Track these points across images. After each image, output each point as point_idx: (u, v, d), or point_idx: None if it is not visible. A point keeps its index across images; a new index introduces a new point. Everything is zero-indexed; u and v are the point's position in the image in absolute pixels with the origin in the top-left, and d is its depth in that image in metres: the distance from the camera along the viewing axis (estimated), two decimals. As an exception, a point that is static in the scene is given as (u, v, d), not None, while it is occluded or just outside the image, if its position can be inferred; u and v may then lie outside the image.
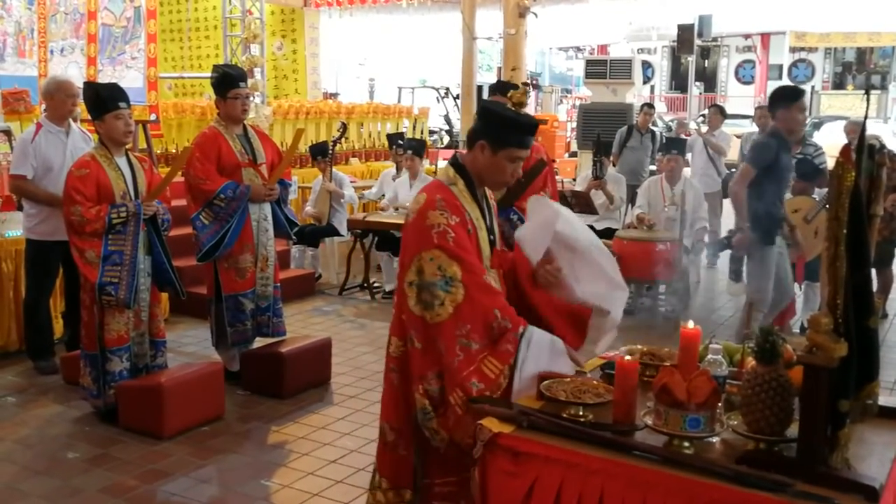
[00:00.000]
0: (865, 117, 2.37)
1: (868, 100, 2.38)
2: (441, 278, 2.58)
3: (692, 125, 10.16)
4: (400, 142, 8.80)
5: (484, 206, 2.83)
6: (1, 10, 10.19)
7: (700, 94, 28.00)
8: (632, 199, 8.71)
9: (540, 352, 2.62)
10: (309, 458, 4.26)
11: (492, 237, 2.83)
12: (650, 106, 10.35)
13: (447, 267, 2.59)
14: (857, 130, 8.50)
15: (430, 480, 2.75)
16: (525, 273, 2.91)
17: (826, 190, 5.88)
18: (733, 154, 9.52)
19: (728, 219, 9.17)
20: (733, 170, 10.36)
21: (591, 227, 7.99)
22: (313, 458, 4.26)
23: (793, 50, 29.26)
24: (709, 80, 30.94)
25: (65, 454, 4.25)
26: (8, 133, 6.95)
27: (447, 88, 20.91)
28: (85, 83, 5.22)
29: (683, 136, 9.63)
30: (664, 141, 9.47)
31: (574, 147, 17.50)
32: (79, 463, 4.15)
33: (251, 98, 5.67)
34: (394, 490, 2.83)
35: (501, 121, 2.75)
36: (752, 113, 20.11)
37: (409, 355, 2.69)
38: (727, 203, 9.44)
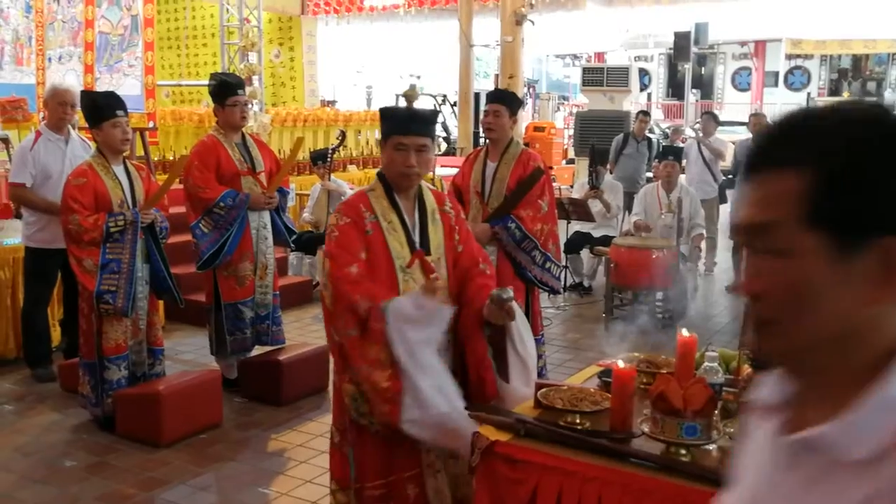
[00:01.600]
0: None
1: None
2: (325, 275, 2.72)
3: (689, 131, 10.19)
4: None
5: (413, 210, 2.86)
6: (-1, 19, 10.20)
7: (697, 101, 28.05)
8: (629, 206, 8.73)
9: (400, 311, 2.59)
10: (307, 465, 4.26)
11: (420, 242, 2.83)
12: (646, 113, 10.38)
13: (325, 264, 2.72)
14: (761, 122, 8.61)
15: (361, 484, 2.79)
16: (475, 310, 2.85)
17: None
18: (728, 161, 9.56)
19: (726, 224, 9.19)
20: (730, 176, 10.42)
21: (589, 234, 8.10)
22: (311, 465, 4.26)
23: (789, 57, 29.33)
24: (705, 87, 30.98)
25: (62, 462, 4.25)
26: (6, 141, 6.96)
27: (444, 96, 20.94)
28: (82, 91, 5.23)
29: (679, 144, 9.66)
30: (661, 148, 9.50)
31: (571, 154, 17.53)
32: (76, 471, 4.15)
33: (249, 106, 5.69)
34: (340, 491, 2.88)
35: (383, 115, 2.91)
36: (747, 120, 20.19)
37: (332, 352, 2.82)
38: (724, 209, 9.49)
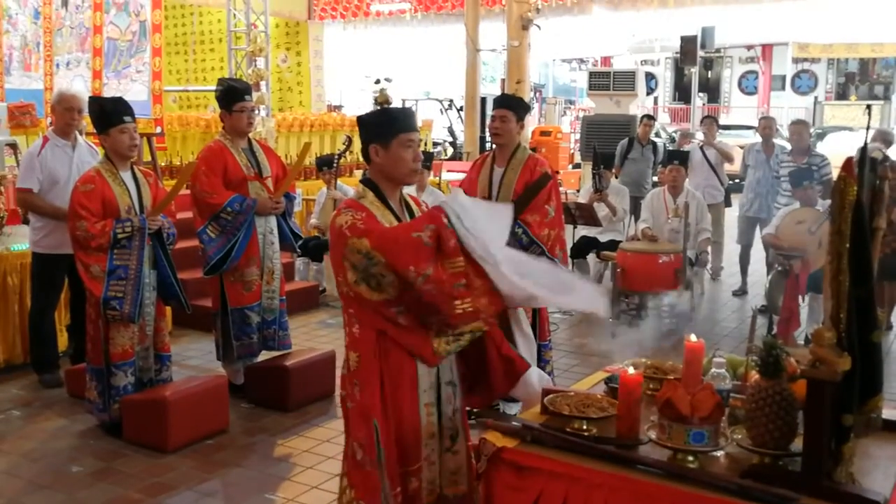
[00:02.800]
0: (867, 132, 2.38)
1: (870, 113, 2.39)
2: (364, 258, 2.62)
3: (699, 135, 10.16)
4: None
5: (402, 214, 2.88)
6: (7, 25, 10.27)
7: (703, 105, 28.01)
8: (635, 210, 8.71)
9: (468, 211, 2.63)
10: (313, 471, 4.26)
11: None
12: (650, 118, 10.36)
13: (360, 245, 2.62)
14: (771, 125, 8.57)
15: (394, 487, 2.73)
16: None
17: (830, 201, 5.88)
18: (735, 165, 9.52)
19: (731, 229, 9.17)
20: (737, 180, 10.39)
21: (596, 239, 8.09)
22: (318, 471, 4.25)
23: (795, 61, 29.28)
24: (712, 91, 30.96)
25: (69, 468, 4.25)
26: (14, 146, 6.99)
27: (451, 100, 20.96)
28: (90, 97, 5.25)
29: (685, 148, 9.63)
30: (666, 153, 9.48)
31: (578, 159, 17.52)
32: (83, 477, 4.15)
33: (256, 111, 5.69)
34: None
35: (377, 118, 2.88)
36: (754, 124, 20.14)
37: (396, 338, 2.71)
38: (729, 212, 9.47)
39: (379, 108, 3.01)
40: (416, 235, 2.59)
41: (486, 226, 2.62)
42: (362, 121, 2.91)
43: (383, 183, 2.84)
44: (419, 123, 13.85)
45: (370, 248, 2.59)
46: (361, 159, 12.30)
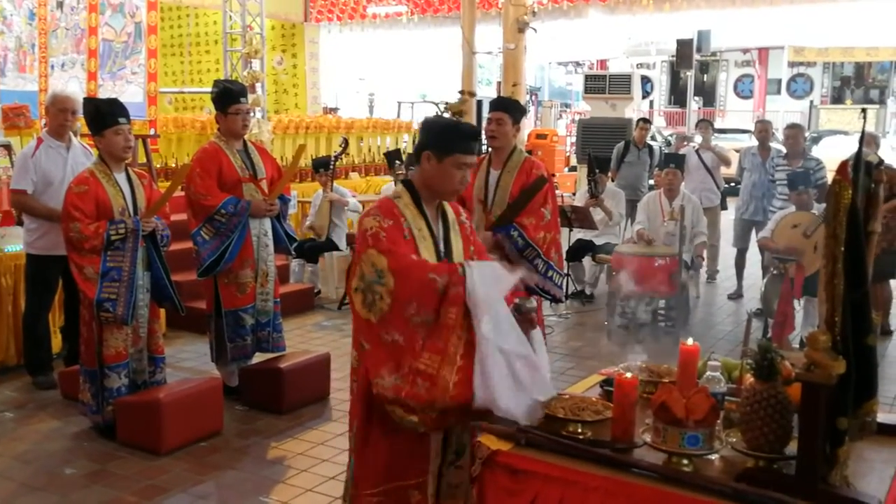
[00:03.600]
0: (862, 135, 2.38)
1: (865, 117, 2.39)
2: (375, 274, 2.61)
3: (697, 138, 10.16)
4: (398, 161, 8.81)
5: (437, 220, 2.85)
6: (1, 26, 10.23)
7: (699, 108, 28.04)
8: (631, 214, 8.72)
9: (483, 275, 2.60)
10: (308, 474, 4.25)
11: (443, 250, 2.83)
12: (646, 121, 10.38)
13: (378, 262, 2.61)
14: (767, 129, 8.58)
15: (357, 491, 2.76)
16: None
17: (825, 205, 5.89)
18: (732, 168, 9.54)
19: (728, 232, 9.18)
20: (732, 184, 10.40)
21: (591, 242, 8.09)
22: (312, 474, 4.24)
23: (791, 64, 29.36)
24: (707, 94, 31.01)
25: (63, 470, 4.24)
26: (8, 148, 6.96)
27: (447, 103, 20.94)
28: (85, 99, 5.23)
29: (681, 152, 9.64)
30: (662, 156, 9.48)
31: (573, 162, 17.54)
32: (77, 479, 4.14)
33: (251, 113, 5.68)
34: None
35: (444, 129, 2.83)
36: (750, 127, 20.18)
37: (363, 360, 2.68)
38: (725, 215, 9.48)
39: (449, 116, 2.94)
40: (432, 277, 2.60)
41: (490, 296, 2.58)
42: (427, 124, 2.91)
43: (423, 189, 2.82)
44: (415, 125, 13.86)
45: (386, 269, 2.59)
46: (357, 161, 12.31)
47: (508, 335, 2.54)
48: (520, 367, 2.49)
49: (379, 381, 2.56)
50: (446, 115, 3.37)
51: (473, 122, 14.06)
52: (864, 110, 2.44)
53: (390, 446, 2.69)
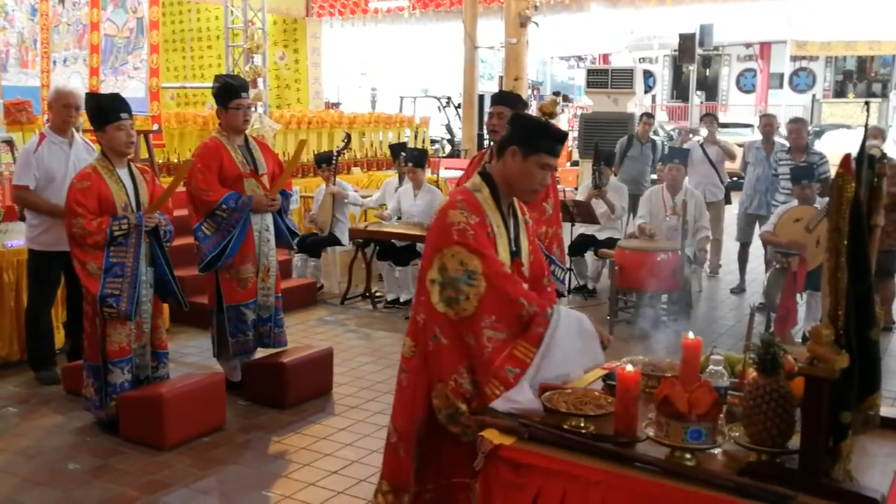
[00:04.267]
0: (866, 128, 2.37)
1: (868, 110, 2.39)
2: (464, 273, 2.61)
3: (703, 131, 10.13)
4: (403, 153, 8.83)
5: (509, 217, 2.86)
6: (3, 21, 10.23)
7: (701, 103, 28.01)
8: (633, 208, 8.70)
9: (568, 329, 2.63)
10: (310, 468, 4.25)
11: (514, 248, 2.85)
12: (649, 116, 10.36)
13: (468, 261, 2.62)
14: (772, 123, 8.54)
15: (422, 486, 2.75)
16: None
17: (828, 199, 5.88)
18: (736, 163, 9.52)
19: (732, 227, 9.17)
20: (735, 178, 10.39)
21: (593, 237, 8.08)
22: (315, 468, 4.25)
23: (794, 58, 29.32)
24: (710, 89, 30.98)
25: (65, 465, 4.24)
26: (10, 143, 6.96)
27: (449, 98, 20.95)
28: (87, 94, 5.23)
29: (686, 146, 9.62)
30: (665, 150, 9.46)
31: (575, 156, 17.51)
32: (80, 474, 4.14)
33: (253, 109, 5.67)
34: (393, 493, 2.85)
35: (534, 127, 2.83)
36: (752, 122, 20.15)
37: (435, 354, 2.68)
38: (729, 210, 9.46)
39: (542, 117, 2.93)
40: (522, 301, 2.61)
41: (566, 352, 2.61)
42: (519, 120, 2.88)
43: (502, 184, 2.82)
44: (417, 120, 13.84)
45: (480, 272, 2.61)
46: (359, 156, 12.30)
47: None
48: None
49: (458, 377, 2.60)
50: (536, 114, 3.34)
51: (475, 116, 14.06)
52: (867, 104, 2.43)
53: (451, 440, 2.68)
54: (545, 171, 2.79)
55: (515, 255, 2.85)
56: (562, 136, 2.85)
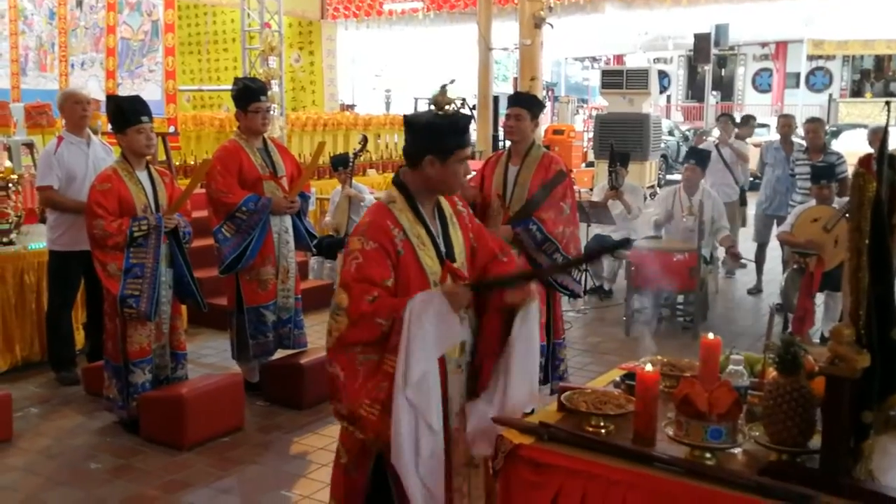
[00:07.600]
0: (886, 127, 2.37)
1: (889, 109, 2.38)
2: (336, 306, 2.56)
3: (715, 131, 10.08)
4: None
5: (434, 218, 2.74)
6: (22, 25, 10.32)
7: (717, 103, 27.92)
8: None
9: (419, 321, 2.48)
10: (329, 469, 4.23)
11: (445, 251, 2.71)
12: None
13: (339, 295, 2.55)
14: (790, 123, 8.47)
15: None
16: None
17: (846, 199, 5.85)
18: (752, 163, 9.48)
19: (748, 228, 9.13)
20: (752, 178, 10.34)
21: (609, 237, 8.05)
22: (333, 468, 4.26)
23: (810, 58, 29.13)
24: (725, 88, 30.86)
25: (87, 465, 4.29)
26: (31, 146, 7.03)
27: (463, 99, 20.80)
28: (108, 97, 5.30)
29: (701, 147, 9.58)
30: (690, 150, 9.41)
31: (591, 157, 17.49)
32: (101, 474, 4.18)
33: (270, 111, 5.70)
34: None
35: (440, 130, 2.67)
36: (768, 122, 20.04)
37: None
38: (747, 210, 9.42)
39: (437, 112, 2.66)
40: (379, 321, 2.51)
41: (426, 342, 2.49)
42: (420, 126, 2.72)
43: (421, 192, 2.69)
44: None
45: (344, 307, 2.52)
46: (375, 158, 12.30)
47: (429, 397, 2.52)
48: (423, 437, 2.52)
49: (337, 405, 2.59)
50: (431, 108, 3.07)
51: (490, 117, 14.04)
52: (887, 103, 2.42)
53: None
54: (465, 163, 2.71)
55: (447, 255, 2.71)
56: (467, 123, 2.75)
